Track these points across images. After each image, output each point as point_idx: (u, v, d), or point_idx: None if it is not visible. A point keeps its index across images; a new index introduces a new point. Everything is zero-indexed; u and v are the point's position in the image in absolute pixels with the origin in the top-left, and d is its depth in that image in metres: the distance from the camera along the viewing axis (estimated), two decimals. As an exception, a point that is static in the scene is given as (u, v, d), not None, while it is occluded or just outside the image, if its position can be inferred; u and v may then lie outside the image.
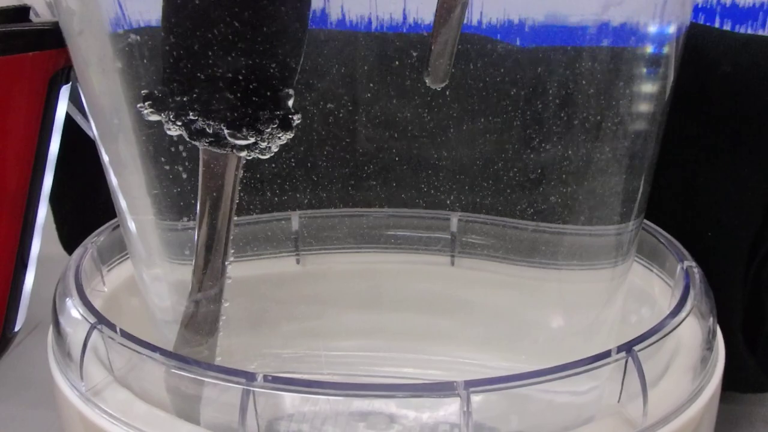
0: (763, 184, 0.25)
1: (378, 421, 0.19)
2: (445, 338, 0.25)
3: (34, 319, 0.27)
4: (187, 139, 0.20)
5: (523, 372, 0.18)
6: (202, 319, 0.22)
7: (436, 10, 0.21)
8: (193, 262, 0.21)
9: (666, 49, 0.21)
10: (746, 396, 0.34)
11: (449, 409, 0.18)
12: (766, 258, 0.26)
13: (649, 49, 0.20)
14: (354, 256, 0.26)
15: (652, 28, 0.20)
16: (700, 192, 0.26)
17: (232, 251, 0.22)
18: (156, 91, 0.20)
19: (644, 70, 0.21)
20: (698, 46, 0.24)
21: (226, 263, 0.21)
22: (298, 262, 0.27)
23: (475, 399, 0.17)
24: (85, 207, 0.28)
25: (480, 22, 0.22)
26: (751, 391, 0.32)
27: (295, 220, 0.26)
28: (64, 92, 0.20)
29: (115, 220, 0.27)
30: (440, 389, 0.17)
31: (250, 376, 0.18)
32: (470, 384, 0.17)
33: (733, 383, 0.30)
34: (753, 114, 0.24)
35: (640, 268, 0.25)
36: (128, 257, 0.27)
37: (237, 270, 0.22)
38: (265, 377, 0.18)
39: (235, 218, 0.21)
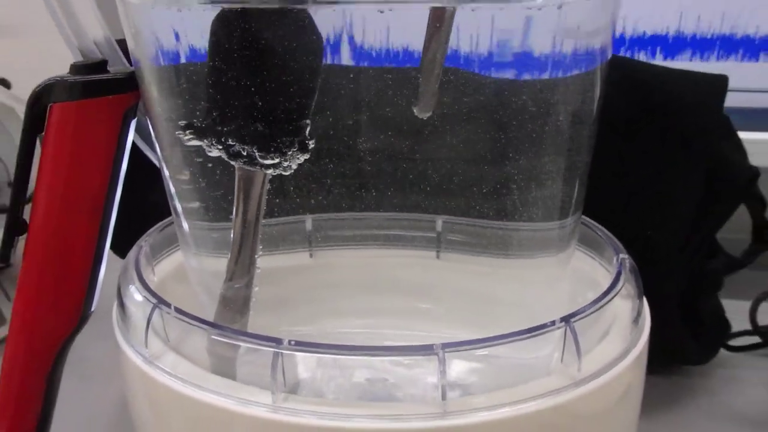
0: (690, 190, 0.30)
1: (375, 377, 0.25)
2: (431, 317, 0.31)
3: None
4: (226, 159, 0.25)
5: (487, 337, 0.23)
6: (235, 301, 0.28)
7: (423, 55, 0.26)
8: (229, 255, 0.27)
9: (592, 76, 0.26)
10: (690, 370, 0.39)
11: (430, 366, 0.23)
12: (697, 249, 0.32)
13: (580, 77, 0.26)
14: (357, 252, 0.32)
15: (581, 59, 0.25)
16: (641, 199, 0.31)
17: (260, 247, 0.27)
18: (196, 122, 0.26)
19: (576, 94, 0.26)
20: (635, 78, 0.30)
21: (256, 256, 0.27)
22: (311, 256, 0.33)
23: (450, 357, 0.23)
24: (131, 218, 0.34)
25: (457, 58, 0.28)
26: (692, 364, 0.37)
27: (309, 222, 0.32)
28: (132, 124, 0.26)
29: (161, 223, 0.32)
30: (423, 350, 0.23)
31: (278, 341, 0.23)
32: (446, 345, 0.23)
33: (675, 358, 0.36)
34: (680, 132, 0.30)
35: (589, 259, 0.30)
36: (172, 253, 0.33)
37: (263, 262, 0.28)
38: (290, 341, 0.23)
39: (264, 221, 0.27)
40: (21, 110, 0.39)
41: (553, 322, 0.24)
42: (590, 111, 0.27)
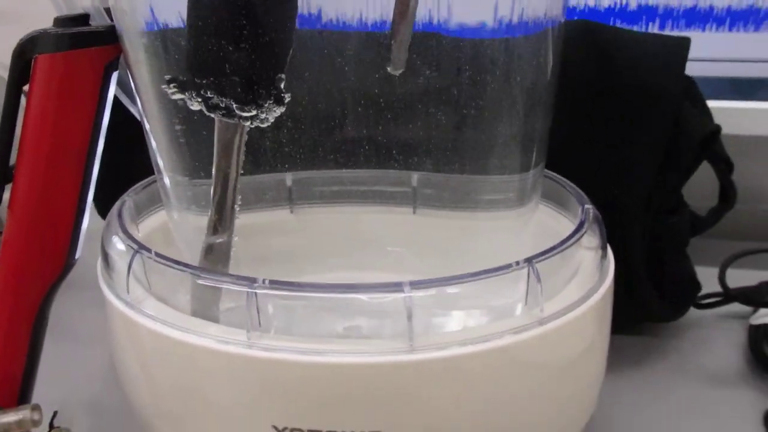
0: (653, 149, 0.32)
1: (348, 320, 0.26)
2: (408, 270, 0.32)
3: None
4: (206, 112, 0.26)
5: (453, 275, 0.24)
6: (217, 253, 0.29)
7: (394, 14, 0.28)
8: (210, 209, 0.28)
9: (546, 36, 0.27)
10: (661, 331, 0.40)
11: (400, 306, 0.24)
12: (660, 206, 0.33)
13: (535, 37, 0.27)
14: (337, 208, 0.33)
15: (534, 21, 0.27)
16: (605, 158, 0.33)
17: (240, 199, 0.28)
18: (180, 76, 0.27)
19: (531, 54, 0.27)
20: (599, 40, 0.31)
21: (236, 208, 0.28)
22: (291, 212, 0.34)
23: (417, 296, 0.24)
24: (115, 182, 0.35)
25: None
26: (661, 321, 0.39)
27: (289, 178, 0.33)
28: (114, 77, 0.27)
29: (145, 180, 0.33)
30: (392, 287, 0.24)
31: (253, 280, 0.24)
32: (413, 283, 0.24)
33: (644, 315, 0.37)
34: (643, 92, 0.31)
35: (555, 213, 0.31)
36: (156, 212, 0.34)
37: (244, 219, 0.29)
38: (263, 280, 0.24)
39: (243, 177, 0.28)
40: (3, 75, 0.40)
41: (517, 263, 0.25)
42: (545, 70, 0.28)
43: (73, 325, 0.41)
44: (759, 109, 0.40)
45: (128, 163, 0.33)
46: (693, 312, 0.40)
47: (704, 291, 0.39)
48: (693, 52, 0.33)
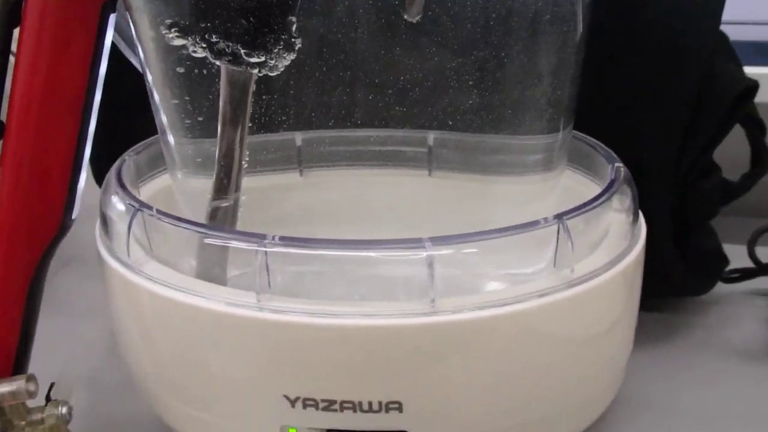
0: (683, 108, 0.30)
1: (365, 276, 0.24)
2: (422, 232, 0.30)
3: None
4: (211, 59, 0.25)
5: (475, 231, 0.23)
6: (223, 216, 0.27)
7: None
8: (216, 168, 0.26)
9: None
10: (687, 307, 0.38)
11: (420, 265, 0.23)
12: (690, 169, 0.31)
13: None
14: (348, 171, 0.31)
15: None
16: (633, 117, 0.31)
17: (248, 161, 0.26)
18: (182, 20, 0.25)
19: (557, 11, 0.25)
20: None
21: (242, 165, 0.26)
22: (301, 174, 0.32)
23: (438, 254, 0.22)
24: (116, 143, 0.33)
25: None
26: (687, 294, 0.37)
27: (299, 138, 0.31)
28: (112, 20, 0.25)
29: (148, 140, 0.32)
30: (411, 243, 0.22)
31: (262, 236, 0.23)
32: (434, 239, 0.22)
33: (670, 287, 0.35)
34: (674, 47, 0.29)
35: (580, 176, 0.30)
36: (157, 175, 0.32)
37: (251, 182, 0.27)
38: (274, 237, 0.23)
39: (250, 137, 0.26)
40: None
41: (545, 219, 0.23)
42: (574, 23, 0.26)
43: (71, 300, 0.39)
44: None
45: (128, 125, 0.32)
46: (718, 288, 0.38)
47: (733, 266, 0.37)
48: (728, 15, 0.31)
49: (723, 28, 0.32)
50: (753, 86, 0.30)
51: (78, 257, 0.33)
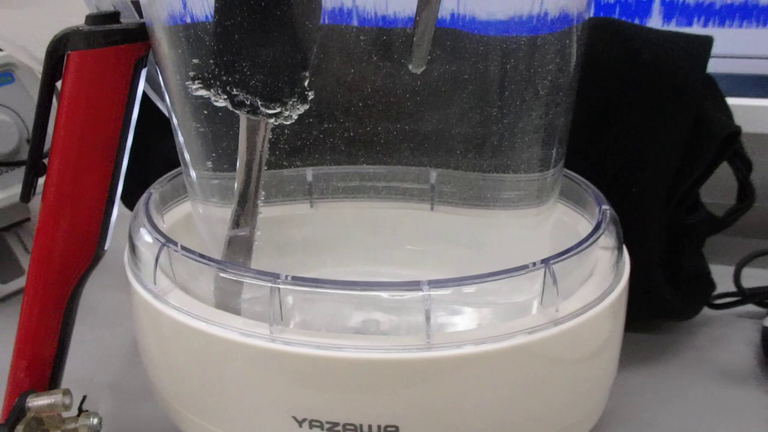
0: (674, 147, 0.32)
1: (367, 315, 0.26)
2: (425, 266, 0.33)
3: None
4: (231, 108, 0.27)
5: (470, 275, 0.25)
6: (240, 246, 0.30)
7: (416, 12, 0.28)
8: (234, 202, 0.29)
9: (569, 36, 0.27)
10: (676, 328, 0.40)
11: (418, 304, 0.25)
12: (679, 204, 0.33)
13: (558, 36, 0.27)
14: (356, 203, 0.33)
15: (558, 22, 0.27)
16: (626, 154, 0.33)
17: (263, 194, 0.29)
18: (205, 73, 0.27)
19: (554, 53, 0.27)
20: (624, 38, 0.31)
21: (258, 201, 0.29)
22: (311, 206, 0.34)
23: (435, 294, 0.25)
24: (142, 170, 0.36)
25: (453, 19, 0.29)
26: (675, 319, 0.39)
27: (310, 173, 0.33)
28: (143, 73, 0.27)
29: (170, 173, 0.34)
30: (410, 285, 0.25)
31: (276, 276, 0.25)
32: (432, 282, 0.25)
33: (657, 313, 0.38)
34: (665, 90, 0.31)
35: (573, 213, 0.32)
36: (180, 203, 0.35)
37: (267, 212, 0.30)
38: (286, 276, 0.25)
39: (266, 171, 0.29)
40: (39, 70, 0.41)
41: (534, 264, 0.25)
42: (567, 69, 0.28)
43: (94, 308, 0.42)
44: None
45: (150, 153, 0.34)
46: (708, 310, 0.40)
47: (720, 290, 0.39)
48: (717, 49, 0.33)
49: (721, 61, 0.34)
50: (736, 132, 0.32)
51: (100, 266, 0.36)
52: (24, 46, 0.43)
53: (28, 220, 0.46)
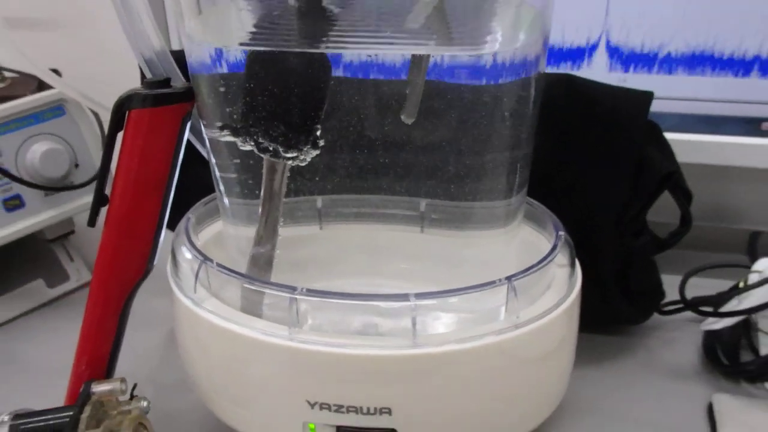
0: (621, 183, 0.38)
1: (367, 320, 0.33)
2: (415, 277, 0.39)
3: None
4: (256, 152, 0.33)
5: (448, 289, 0.31)
6: (262, 260, 0.36)
7: (409, 71, 0.34)
8: (258, 224, 0.35)
9: (528, 84, 0.34)
10: (630, 332, 0.47)
11: (407, 311, 0.31)
12: (626, 229, 0.40)
13: (516, 85, 0.34)
14: (358, 226, 0.40)
15: (518, 72, 0.33)
16: (582, 189, 0.39)
17: (282, 219, 0.35)
18: (234, 124, 0.34)
19: (513, 99, 0.34)
20: (578, 91, 0.38)
21: (278, 225, 0.35)
22: (321, 228, 0.41)
23: (420, 304, 0.31)
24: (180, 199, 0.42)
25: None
26: (629, 324, 0.45)
27: (319, 201, 0.40)
28: (188, 125, 0.34)
29: (204, 199, 0.41)
30: (400, 297, 0.31)
31: (294, 288, 0.32)
32: (418, 295, 0.31)
33: (613, 319, 0.44)
34: (613, 138, 0.38)
35: (537, 233, 0.38)
36: (211, 224, 0.41)
37: (284, 233, 0.36)
38: (302, 289, 0.32)
39: (285, 199, 0.35)
40: (85, 103, 0.47)
41: (499, 280, 0.32)
42: (527, 111, 0.35)
43: (134, 310, 0.48)
44: (720, 142, 0.46)
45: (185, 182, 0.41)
46: (659, 316, 0.46)
47: (670, 297, 0.46)
48: (671, 92, 0.40)
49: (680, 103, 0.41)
50: (674, 171, 0.39)
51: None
52: (72, 85, 0.48)
53: (72, 232, 0.52)
